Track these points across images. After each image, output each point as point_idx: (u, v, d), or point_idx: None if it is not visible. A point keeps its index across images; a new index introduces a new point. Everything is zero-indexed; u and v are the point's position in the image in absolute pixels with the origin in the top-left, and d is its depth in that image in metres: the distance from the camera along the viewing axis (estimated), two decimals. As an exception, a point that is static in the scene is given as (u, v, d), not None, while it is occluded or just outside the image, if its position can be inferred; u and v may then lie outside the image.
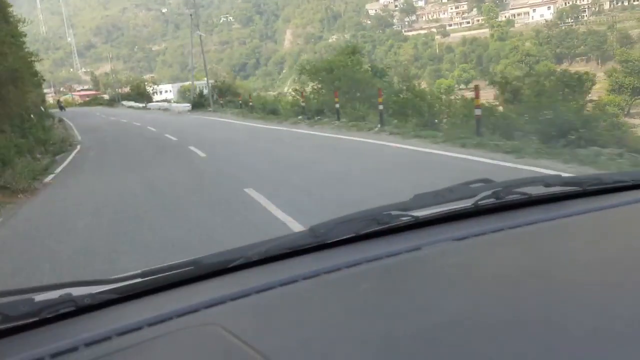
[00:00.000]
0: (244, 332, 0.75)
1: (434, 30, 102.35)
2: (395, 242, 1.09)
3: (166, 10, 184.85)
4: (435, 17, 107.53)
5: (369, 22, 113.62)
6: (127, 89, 61.65)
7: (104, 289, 0.94)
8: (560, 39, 78.33)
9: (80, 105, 70.91)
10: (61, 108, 48.56)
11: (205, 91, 33.24)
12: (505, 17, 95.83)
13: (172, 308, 0.85)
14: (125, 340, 0.78)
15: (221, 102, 29.90)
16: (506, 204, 1.25)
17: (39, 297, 0.89)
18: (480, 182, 1.25)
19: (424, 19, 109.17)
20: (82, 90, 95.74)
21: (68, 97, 78.86)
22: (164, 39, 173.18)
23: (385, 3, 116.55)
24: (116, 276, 0.97)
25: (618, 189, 1.34)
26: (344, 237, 1.12)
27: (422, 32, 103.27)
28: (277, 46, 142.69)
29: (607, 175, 1.38)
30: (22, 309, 0.85)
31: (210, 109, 29.14)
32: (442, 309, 0.78)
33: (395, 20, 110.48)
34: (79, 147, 16.14)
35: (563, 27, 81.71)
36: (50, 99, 76.18)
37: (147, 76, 63.22)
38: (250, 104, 24.30)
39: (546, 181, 1.29)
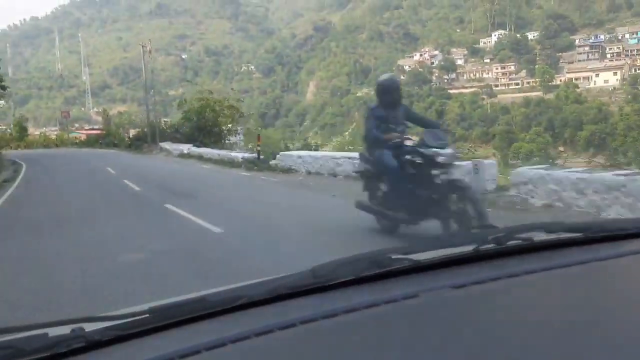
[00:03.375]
0: None
1: (479, 89, 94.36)
2: (395, 287, 1.09)
3: (186, 56, 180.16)
4: (477, 76, 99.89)
5: (404, 77, 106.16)
6: (174, 118, 37.21)
7: (114, 324, 0.97)
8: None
9: (78, 145, 50.49)
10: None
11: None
12: (561, 80, 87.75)
13: (176, 348, 0.88)
14: None
15: None
16: (507, 249, 1.24)
17: (52, 332, 0.91)
18: (483, 227, 1.25)
19: (464, 77, 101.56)
20: (91, 128, 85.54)
21: (74, 134, 63.98)
22: (181, 84, 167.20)
23: (420, 59, 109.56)
24: (126, 311, 1.01)
25: (622, 236, 1.32)
26: (345, 280, 1.12)
27: (465, 90, 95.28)
28: (298, 97, 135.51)
29: (610, 222, 1.37)
30: (35, 345, 0.87)
31: None
32: None
33: (434, 77, 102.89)
34: None
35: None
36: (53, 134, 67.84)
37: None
38: None
39: (548, 227, 1.30)
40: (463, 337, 0.86)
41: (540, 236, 1.27)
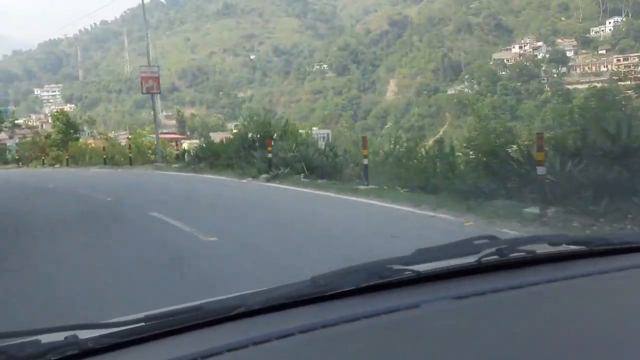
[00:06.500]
0: None
1: (596, 84, 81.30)
2: (395, 298, 1.09)
3: (254, 56, 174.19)
4: (593, 69, 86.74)
5: (505, 72, 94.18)
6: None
7: (109, 331, 0.95)
8: None
9: (181, 167, 18.35)
10: None
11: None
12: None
13: (171, 356, 0.86)
14: None
15: None
16: (510, 261, 1.23)
17: (45, 339, 0.90)
18: (485, 238, 1.24)
19: (577, 71, 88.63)
20: (160, 133, 76.76)
21: (146, 139, 30.24)
22: (250, 85, 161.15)
23: (521, 52, 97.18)
24: (121, 319, 0.99)
25: (625, 250, 1.32)
26: (345, 290, 1.11)
27: (580, 86, 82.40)
28: (377, 97, 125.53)
29: (614, 235, 1.39)
30: (28, 351, 0.86)
31: None
32: None
33: (542, 72, 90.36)
34: None
35: None
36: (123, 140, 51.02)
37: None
38: None
39: (552, 240, 1.30)
40: (464, 349, 0.86)
41: (543, 248, 1.26)
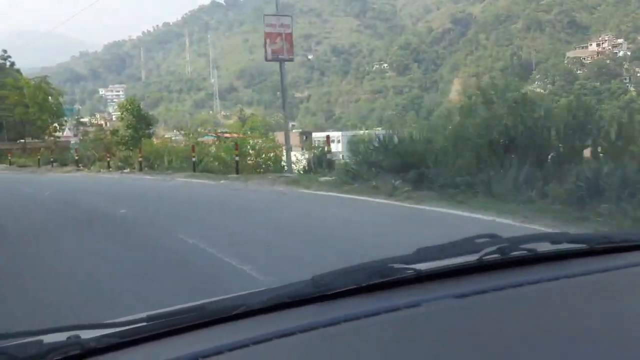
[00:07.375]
0: None
1: (688, 84, 74.67)
2: (396, 297, 1.08)
3: (312, 56, 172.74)
4: (683, 67, 79.89)
5: (581, 71, 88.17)
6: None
7: (111, 331, 0.95)
8: None
9: None
10: None
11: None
12: None
13: (172, 356, 0.86)
14: None
15: None
16: (511, 259, 1.23)
17: (47, 339, 0.90)
18: (486, 237, 1.24)
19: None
20: (221, 132, 75.54)
21: (207, 138, 23.86)
22: (307, 85, 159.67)
23: (599, 49, 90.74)
24: (123, 319, 0.99)
25: (626, 248, 1.33)
26: (346, 289, 1.11)
27: (668, 86, 75.86)
28: (440, 97, 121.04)
29: (615, 233, 1.38)
30: (30, 351, 0.86)
31: None
32: None
33: (624, 70, 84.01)
34: None
35: None
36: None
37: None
38: None
39: (553, 238, 1.30)
40: (465, 347, 0.86)
41: (544, 247, 1.26)
